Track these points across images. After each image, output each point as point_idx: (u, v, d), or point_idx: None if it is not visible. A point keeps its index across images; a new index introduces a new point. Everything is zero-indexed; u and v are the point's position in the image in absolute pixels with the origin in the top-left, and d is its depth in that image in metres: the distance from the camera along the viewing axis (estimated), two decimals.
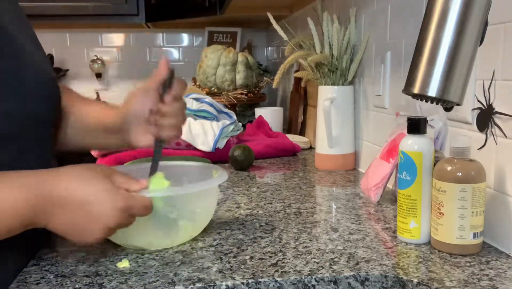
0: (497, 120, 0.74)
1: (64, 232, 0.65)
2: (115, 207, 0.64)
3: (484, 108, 0.77)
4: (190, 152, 1.42)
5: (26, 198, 0.61)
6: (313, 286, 0.66)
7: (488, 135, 0.76)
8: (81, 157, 2.00)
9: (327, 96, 1.30)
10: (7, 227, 0.61)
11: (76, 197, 0.63)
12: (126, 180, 0.69)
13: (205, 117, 1.49)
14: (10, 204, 0.61)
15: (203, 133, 1.43)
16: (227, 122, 1.50)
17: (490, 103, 0.76)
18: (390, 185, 1.09)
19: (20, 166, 0.69)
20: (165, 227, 0.75)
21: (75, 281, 0.65)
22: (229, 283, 0.64)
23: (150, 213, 0.70)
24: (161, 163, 0.81)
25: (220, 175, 0.82)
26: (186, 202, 0.77)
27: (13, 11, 0.80)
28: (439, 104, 0.62)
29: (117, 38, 2.80)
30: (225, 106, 1.66)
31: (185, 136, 1.43)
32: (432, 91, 0.60)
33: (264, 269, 0.68)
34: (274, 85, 1.40)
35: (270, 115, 1.90)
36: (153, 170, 0.79)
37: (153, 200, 0.71)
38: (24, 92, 0.71)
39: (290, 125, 1.98)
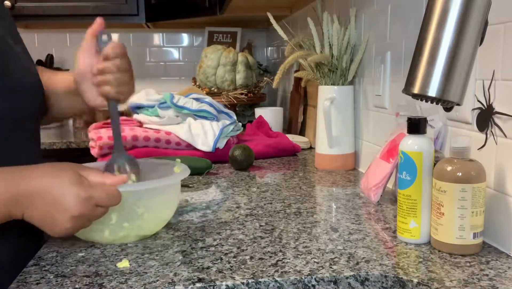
0: (497, 120, 0.74)
1: (38, 223, 0.69)
2: (78, 196, 0.67)
3: (484, 108, 0.77)
4: (190, 152, 1.42)
5: (2, 192, 0.67)
6: (313, 286, 0.66)
7: (488, 135, 0.76)
8: (80, 157, 2.00)
9: (327, 96, 1.30)
10: None
11: (44, 188, 0.68)
12: (100, 175, 0.72)
13: (205, 117, 1.49)
14: None
15: (203, 133, 1.43)
16: (227, 122, 1.50)
17: (490, 103, 0.76)
18: (390, 185, 1.09)
19: (12, 162, 0.73)
20: (129, 220, 0.78)
21: (75, 281, 0.66)
22: (229, 283, 0.64)
23: (118, 203, 0.72)
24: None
25: (182, 171, 0.85)
26: (150, 196, 0.79)
27: None
28: (439, 104, 0.62)
29: (117, 38, 2.80)
30: (225, 106, 1.65)
31: (185, 136, 1.43)
32: (432, 91, 0.60)
33: (264, 269, 0.68)
34: (274, 85, 1.40)
35: (270, 115, 1.90)
36: (116, 139, 0.83)
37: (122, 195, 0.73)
38: (13, 91, 0.77)
39: (290, 125, 1.98)
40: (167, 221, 0.86)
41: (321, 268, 0.68)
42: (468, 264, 0.69)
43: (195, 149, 1.43)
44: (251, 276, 0.66)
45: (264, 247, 0.76)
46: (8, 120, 0.78)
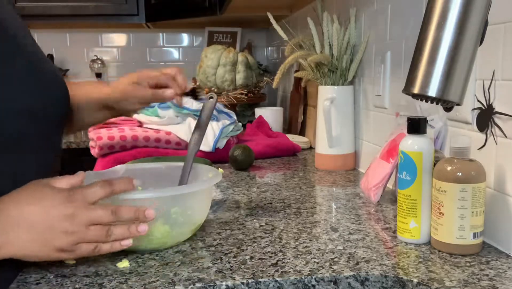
0: (497, 120, 0.74)
1: (21, 254, 0.63)
2: (65, 216, 0.62)
3: (484, 108, 0.77)
4: None
5: None
6: (313, 286, 0.66)
7: (488, 135, 0.76)
8: (81, 157, 2.00)
9: (327, 96, 1.30)
10: None
11: (24, 215, 0.62)
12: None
13: None
14: None
15: None
16: (227, 122, 1.50)
17: (490, 103, 0.76)
18: (390, 185, 1.09)
19: (22, 166, 0.71)
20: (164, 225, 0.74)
21: (75, 281, 0.66)
22: (229, 283, 0.64)
23: (113, 219, 0.65)
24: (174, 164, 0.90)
25: (213, 177, 0.81)
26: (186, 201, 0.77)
27: (13, 13, 0.81)
28: (439, 104, 0.62)
29: (117, 38, 2.80)
30: (225, 106, 1.66)
31: (185, 136, 1.43)
32: (432, 91, 0.60)
33: (264, 269, 0.68)
34: (274, 85, 1.40)
35: (270, 115, 1.90)
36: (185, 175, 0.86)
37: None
38: (42, 92, 0.76)
39: (290, 125, 1.98)
40: (199, 225, 0.83)
41: (321, 268, 0.68)
42: (468, 264, 0.69)
43: None
44: (251, 276, 0.66)
45: (264, 247, 0.76)
46: (42, 119, 0.75)
